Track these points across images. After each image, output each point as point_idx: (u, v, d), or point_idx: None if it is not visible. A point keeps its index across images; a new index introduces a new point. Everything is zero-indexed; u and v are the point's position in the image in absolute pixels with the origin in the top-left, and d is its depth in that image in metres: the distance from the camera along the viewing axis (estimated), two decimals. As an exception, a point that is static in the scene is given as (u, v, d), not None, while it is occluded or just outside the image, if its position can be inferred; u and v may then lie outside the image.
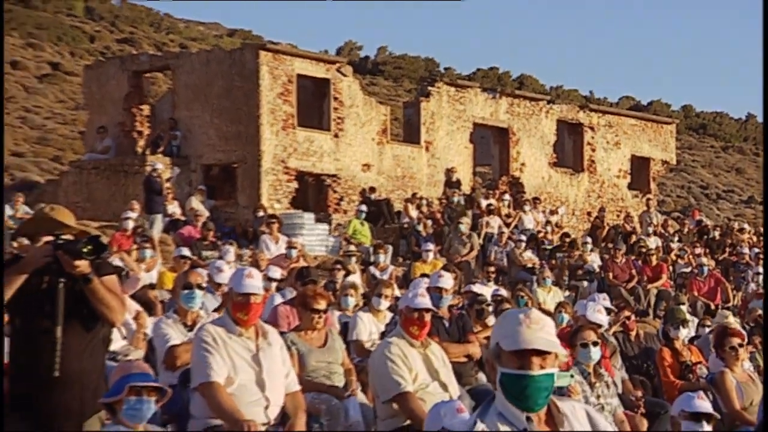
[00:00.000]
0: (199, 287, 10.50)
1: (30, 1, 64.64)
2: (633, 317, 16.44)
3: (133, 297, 13.64)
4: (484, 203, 31.48)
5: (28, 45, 59.11)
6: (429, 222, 28.87)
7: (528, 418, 4.77)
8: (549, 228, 31.23)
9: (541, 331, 4.81)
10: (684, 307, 17.84)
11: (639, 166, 40.12)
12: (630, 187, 39.73)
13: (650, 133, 40.81)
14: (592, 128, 39.04)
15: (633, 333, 15.69)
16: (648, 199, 37.99)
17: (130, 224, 22.78)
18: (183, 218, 26.85)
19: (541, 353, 4.77)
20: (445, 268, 19.11)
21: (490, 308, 14.00)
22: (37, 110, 50.63)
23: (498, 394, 4.86)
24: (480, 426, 4.77)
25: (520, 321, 4.83)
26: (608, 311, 14.01)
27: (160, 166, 28.16)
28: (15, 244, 9.44)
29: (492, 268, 23.04)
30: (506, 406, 4.80)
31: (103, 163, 31.76)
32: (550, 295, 20.10)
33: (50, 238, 7.21)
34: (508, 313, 5.16)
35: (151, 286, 16.70)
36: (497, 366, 4.84)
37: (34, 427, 7.11)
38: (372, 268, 21.61)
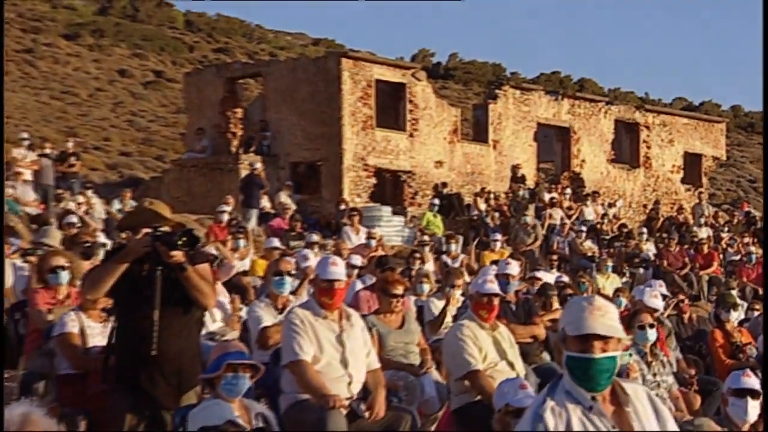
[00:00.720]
0: (289, 274, 10.60)
1: (137, 16, 65.30)
2: (687, 301, 16.33)
3: (227, 283, 13.73)
4: (547, 197, 31.40)
5: (134, 55, 59.74)
6: (496, 214, 28.78)
7: (593, 398, 4.78)
8: (607, 219, 30.97)
9: (603, 317, 4.80)
10: (734, 292, 17.67)
11: (691, 162, 39.70)
12: (683, 181, 39.34)
13: (702, 132, 40.38)
14: (647, 127, 38.73)
15: (687, 316, 15.58)
16: (700, 193, 37.67)
17: (225, 217, 22.95)
18: (272, 211, 27.04)
19: (603, 338, 4.76)
20: (511, 256, 19.08)
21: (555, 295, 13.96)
22: (142, 114, 51.15)
23: (565, 375, 4.87)
24: (550, 403, 4.78)
25: (584, 308, 4.84)
26: (664, 297, 13.87)
27: (259, 165, 28.43)
28: (123, 235, 9.55)
29: (555, 257, 22.95)
30: (573, 386, 4.81)
31: (201, 161, 32.04)
32: (609, 282, 19.91)
33: (149, 230, 7.29)
34: (573, 300, 5.23)
35: (245, 273, 16.78)
36: (563, 349, 4.85)
37: (137, 401, 7.20)
38: (444, 257, 21.57)
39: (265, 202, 27.89)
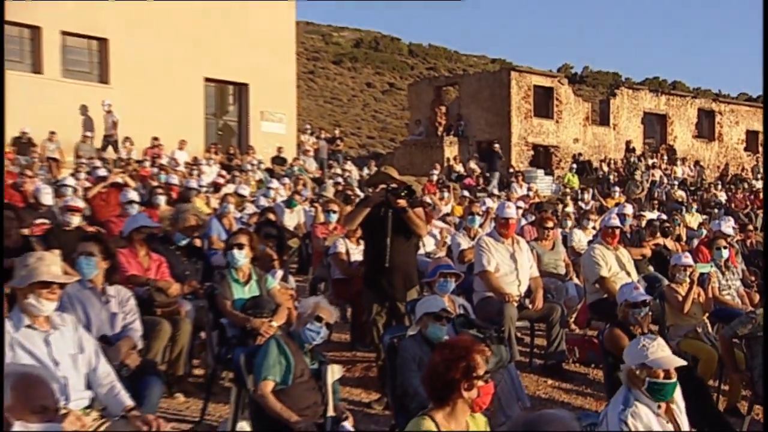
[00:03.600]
0: (478, 214, 10.57)
1: (378, 47, 65.82)
2: (753, 231, 15.60)
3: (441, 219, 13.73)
4: (650, 161, 30.79)
5: (376, 73, 60.18)
6: (615, 174, 28.32)
7: (659, 406, 4.39)
8: (692, 176, 30.13)
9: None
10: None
11: (751, 136, 37.70)
12: (745, 150, 37.44)
13: (759, 116, 38.29)
14: (720, 113, 37.07)
15: (749, 240, 14.82)
16: (757, 158, 36.03)
17: (435, 177, 23.07)
18: (464, 173, 27.04)
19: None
20: (626, 201, 18.55)
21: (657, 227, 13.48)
22: (381, 111, 51.64)
23: (635, 390, 4.41)
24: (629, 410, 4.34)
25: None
26: (732, 228, 13.23)
27: (497, 144, 28.46)
28: (370, 190, 9.71)
29: (656, 202, 22.31)
30: (644, 398, 4.37)
31: (419, 141, 32.27)
32: (694, 218, 19.09)
33: (384, 186, 7.36)
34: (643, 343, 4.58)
35: (447, 214, 16.82)
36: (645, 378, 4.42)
37: (380, 296, 7.24)
38: (580, 203, 21.15)
39: (460, 167, 27.88)
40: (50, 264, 4.46)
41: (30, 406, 2.61)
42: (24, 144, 19.85)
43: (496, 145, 28.27)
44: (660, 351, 4.39)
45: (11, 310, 4.53)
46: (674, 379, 4.35)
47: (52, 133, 20.68)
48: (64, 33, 22.13)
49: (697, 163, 33.40)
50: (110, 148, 21.41)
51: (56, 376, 4.23)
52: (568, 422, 2.45)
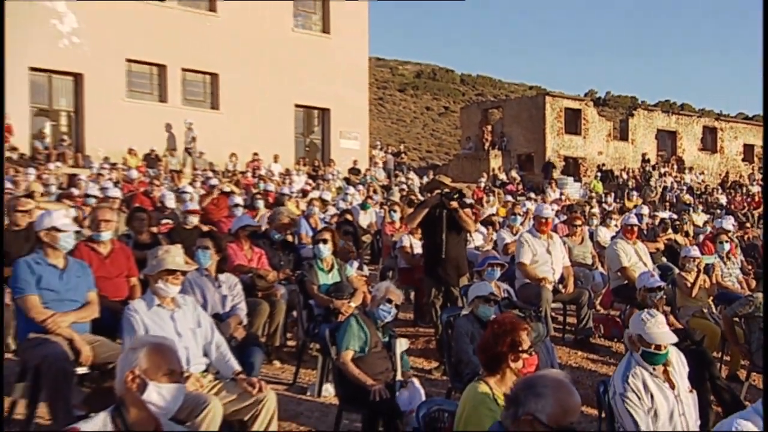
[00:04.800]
0: (519, 215, 10.45)
1: (435, 77, 65.57)
2: (751, 228, 15.10)
3: (484, 220, 13.61)
4: (662, 170, 30.02)
5: (434, 98, 59.97)
6: (633, 180, 27.72)
7: (654, 368, 4.24)
8: (698, 182, 29.32)
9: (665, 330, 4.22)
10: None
11: (748, 149, 36.52)
12: (743, 160, 36.24)
13: (755, 131, 37.04)
14: (721, 129, 35.99)
15: (747, 236, 14.34)
16: (753, 167, 34.86)
17: (482, 184, 22.85)
18: (507, 180, 26.73)
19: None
20: (642, 203, 18.09)
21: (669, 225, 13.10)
22: (437, 130, 51.46)
23: (636, 354, 4.26)
24: (631, 371, 4.23)
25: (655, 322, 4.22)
26: (733, 225, 12.80)
27: (555, 156, 28.12)
28: (428, 195, 9.68)
29: (667, 203, 21.82)
30: (642, 362, 4.24)
31: (469, 155, 32.05)
32: (700, 217, 18.52)
33: (439, 190, 7.32)
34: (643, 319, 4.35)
35: (492, 215, 16.63)
36: (640, 346, 4.25)
37: (437, 282, 7.19)
38: (604, 204, 20.72)
39: (503, 175, 27.59)
40: (175, 256, 4.56)
41: (161, 370, 2.67)
42: (152, 159, 20.38)
43: (556, 160, 28.11)
44: (656, 327, 4.24)
45: (144, 293, 4.66)
46: (665, 351, 4.21)
47: (174, 150, 21.27)
48: (184, 69, 22.65)
49: (690, 169, 32.48)
50: (189, 158, 21.53)
51: (179, 345, 4.32)
52: (559, 378, 2.45)
